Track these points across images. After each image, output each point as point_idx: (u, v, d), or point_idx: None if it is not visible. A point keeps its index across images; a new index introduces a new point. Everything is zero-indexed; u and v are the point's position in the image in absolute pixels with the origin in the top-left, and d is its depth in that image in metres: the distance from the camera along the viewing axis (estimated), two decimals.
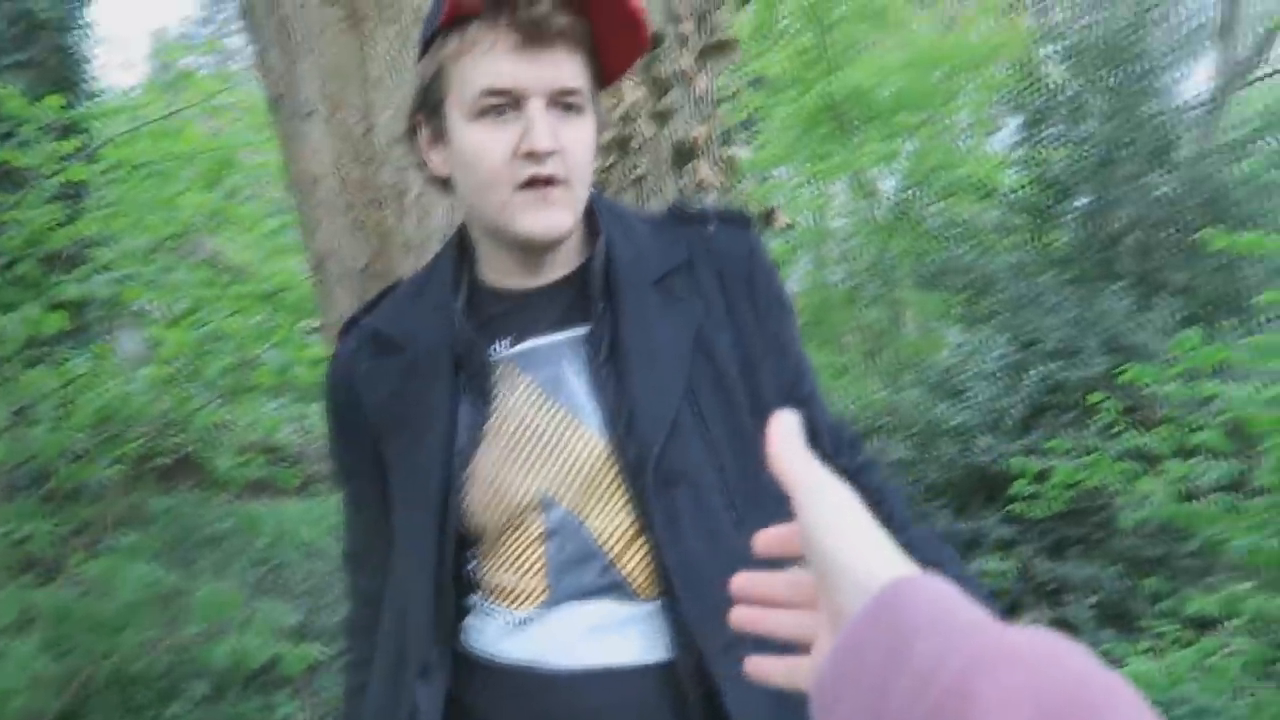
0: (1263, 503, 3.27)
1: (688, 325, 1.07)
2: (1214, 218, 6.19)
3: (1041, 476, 4.11)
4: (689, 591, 0.98)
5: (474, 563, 1.09)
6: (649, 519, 1.01)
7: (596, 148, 1.09)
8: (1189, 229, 6.23)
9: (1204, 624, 3.39)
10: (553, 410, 1.05)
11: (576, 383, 1.06)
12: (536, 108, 0.99)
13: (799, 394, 1.13)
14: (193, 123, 5.80)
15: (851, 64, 10.47)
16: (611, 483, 1.04)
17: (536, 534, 1.05)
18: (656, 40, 1.82)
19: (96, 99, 6.28)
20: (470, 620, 1.10)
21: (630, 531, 1.03)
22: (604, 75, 1.08)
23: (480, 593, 1.10)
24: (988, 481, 4.92)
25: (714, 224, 1.14)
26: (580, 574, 1.03)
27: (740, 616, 0.66)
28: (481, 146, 1.01)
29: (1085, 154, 6.62)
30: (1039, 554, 4.45)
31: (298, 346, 3.03)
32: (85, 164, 4.70)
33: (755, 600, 0.65)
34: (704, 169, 1.89)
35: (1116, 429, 4.00)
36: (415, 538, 1.07)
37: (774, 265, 1.17)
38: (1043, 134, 7.26)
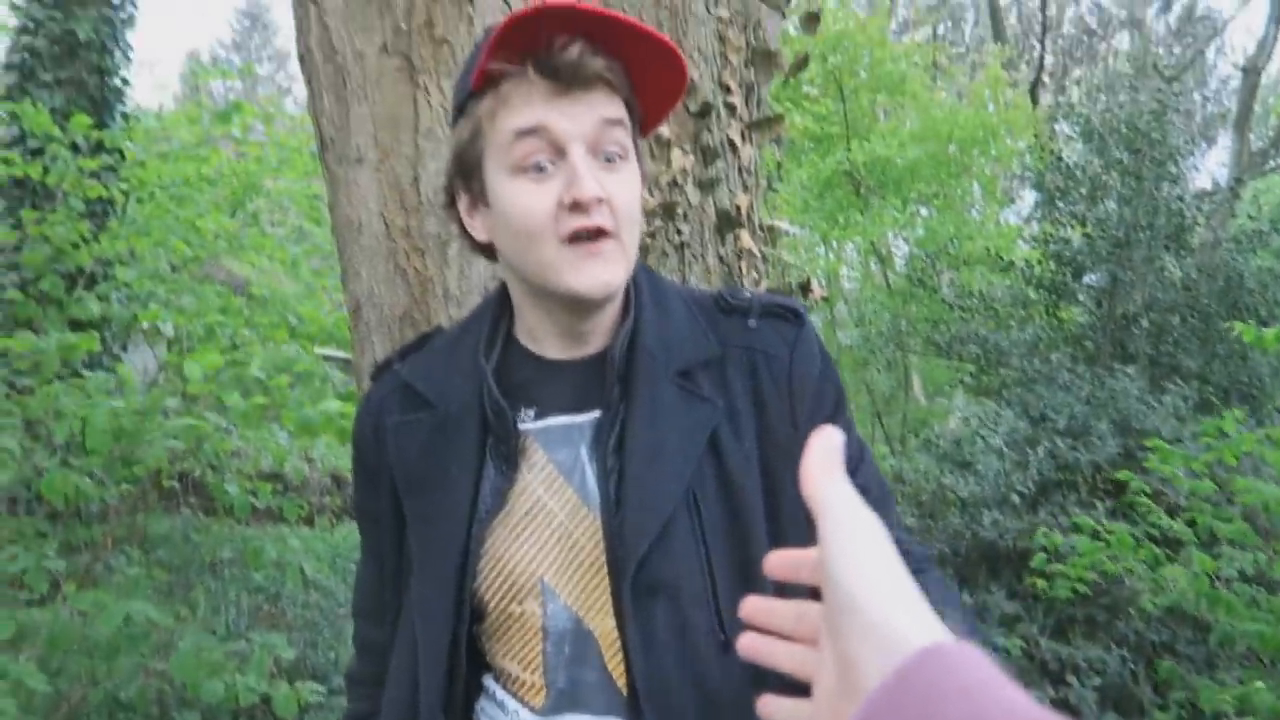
0: None
1: (703, 425, 0.98)
2: (1228, 305, 6.23)
3: (1057, 554, 4.04)
4: (654, 715, 0.92)
5: (481, 640, 1.06)
6: (623, 629, 0.94)
7: (642, 204, 1.02)
8: (1203, 314, 6.27)
9: (1208, 714, 3.34)
10: (566, 495, 1.00)
11: (589, 471, 1.00)
12: (578, 154, 0.93)
13: None
14: (219, 150, 5.88)
15: (870, 131, 10.65)
16: (607, 581, 0.98)
17: (536, 626, 1.00)
18: (705, 110, 1.85)
19: (130, 119, 6.36)
20: (485, 704, 1.06)
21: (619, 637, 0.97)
22: (645, 120, 1.03)
23: (492, 674, 1.06)
24: (993, 556, 4.88)
25: (756, 318, 1.05)
26: (579, 673, 0.99)
27: (744, 644, 0.61)
28: (524, 202, 0.95)
29: (1102, 233, 6.67)
30: (1044, 632, 4.41)
31: (321, 382, 3.02)
32: (112, 184, 4.76)
33: (759, 627, 0.60)
34: (745, 237, 1.91)
35: (1142, 511, 3.94)
36: (430, 603, 1.02)
37: (825, 366, 1.06)
38: (1060, 211, 7.33)
